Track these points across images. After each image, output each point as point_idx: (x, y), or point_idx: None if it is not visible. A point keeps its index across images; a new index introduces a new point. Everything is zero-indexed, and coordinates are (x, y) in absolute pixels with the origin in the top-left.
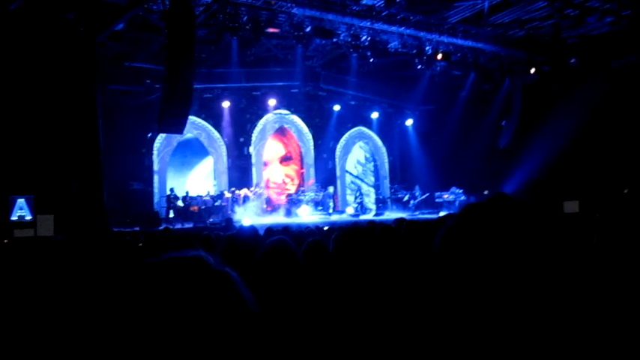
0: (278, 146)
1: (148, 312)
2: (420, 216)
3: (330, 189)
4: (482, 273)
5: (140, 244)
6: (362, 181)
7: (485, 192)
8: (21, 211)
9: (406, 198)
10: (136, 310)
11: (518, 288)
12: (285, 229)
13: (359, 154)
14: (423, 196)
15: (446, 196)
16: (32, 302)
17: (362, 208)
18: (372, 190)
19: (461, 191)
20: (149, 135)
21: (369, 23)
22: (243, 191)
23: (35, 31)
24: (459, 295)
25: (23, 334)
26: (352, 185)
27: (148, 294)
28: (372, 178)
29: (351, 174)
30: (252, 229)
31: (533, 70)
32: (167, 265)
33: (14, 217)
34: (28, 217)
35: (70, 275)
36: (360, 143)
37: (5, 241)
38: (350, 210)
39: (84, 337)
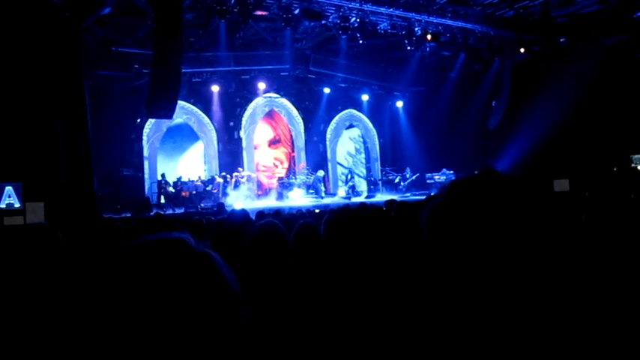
0: (267, 129)
1: (129, 293)
2: (411, 197)
3: (320, 172)
4: (470, 248)
5: (130, 230)
6: (351, 173)
7: (476, 172)
8: (9, 198)
9: (397, 180)
10: (116, 291)
11: (506, 262)
12: (277, 213)
13: (349, 146)
14: (413, 177)
15: (437, 177)
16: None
17: (353, 190)
18: (363, 179)
19: (452, 172)
20: (138, 120)
21: (357, 4)
22: (234, 175)
23: (20, 16)
24: (448, 271)
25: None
26: (343, 170)
27: (128, 275)
28: (364, 170)
29: (342, 165)
30: (244, 213)
31: (522, 50)
32: (147, 246)
33: (2, 205)
34: (17, 205)
35: (58, 261)
36: (350, 134)
37: None
38: (341, 192)
39: (69, 322)
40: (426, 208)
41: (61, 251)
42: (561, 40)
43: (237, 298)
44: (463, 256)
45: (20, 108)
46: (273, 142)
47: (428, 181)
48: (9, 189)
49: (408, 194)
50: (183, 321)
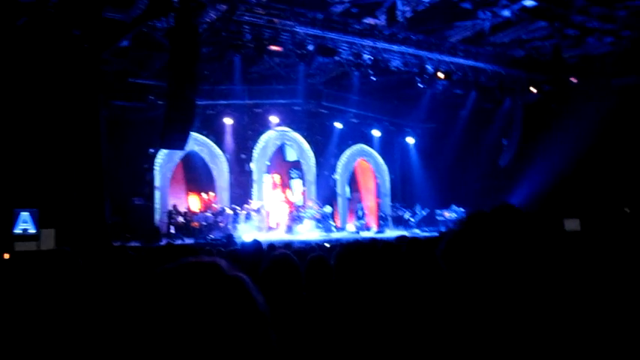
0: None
1: (165, 314)
2: (421, 233)
3: (328, 208)
4: (486, 280)
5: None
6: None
7: (492, 207)
8: (25, 224)
9: (407, 215)
10: (154, 312)
11: (519, 294)
12: (287, 246)
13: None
14: (424, 213)
15: (447, 213)
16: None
17: (365, 226)
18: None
19: (461, 209)
20: (151, 151)
21: (371, 42)
22: (245, 207)
23: (41, 46)
24: (463, 302)
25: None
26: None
27: (165, 297)
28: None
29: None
30: (256, 244)
31: (533, 89)
32: (183, 269)
33: (18, 230)
34: (32, 231)
35: (80, 285)
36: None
37: (6, 255)
38: (351, 227)
39: (99, 343)
40: (444, 240)
41: (82, 276)
42: (572, 80)
43: (267, 320)
44: (479, 287)
45: (37, 135)
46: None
47: (437, 218)
48: (25, 215)
49: (418, 230)
50: (217, 340)
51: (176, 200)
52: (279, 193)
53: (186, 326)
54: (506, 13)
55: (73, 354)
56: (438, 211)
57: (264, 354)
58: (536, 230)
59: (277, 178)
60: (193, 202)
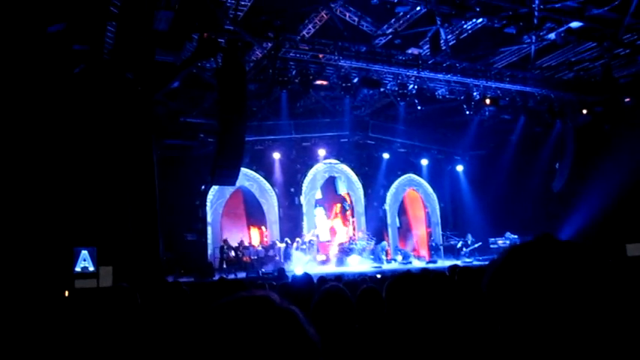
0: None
1: (220, 348)
2: (474, 262)
3: (384, 243)
4: (528, 313)
5: (196, 294)
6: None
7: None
8: (84, 262)
9: (459, 245)
10: (210, 346)
11: (566, 330)
12: (338, 278)
13: None
14: (476, 245)
15: (500, 241)
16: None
17: (406, 254)
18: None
19: (516, 236)
20: (202, 187)
21: (415, 72)
22: (295, 241)
23: (97, 91)
24: (508, 335)
25: None
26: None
27: (220, 331)
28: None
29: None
30: (307, 277)
31: (585, 111)
32: (236, 303)
33: (78, 268)
34: (91, 268)
35: (138, 320)
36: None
37: (67, 292)
38: (399, 257)
39: None
40: (487, 272)
41: (140, 312)
42: (626, 100)
43: (319, 351)
44: (520, 321)
45: (95, 176)
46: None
47: (491, 246)
48: (84, 253)
49: (471, 259)
50: None
51: (239, 234)
52: (337, 223)
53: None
54: (551, 36)
55: None
56: (492, 240)
57: None
58: (581, 262)
59: (338, 207)
60: (255, 236)
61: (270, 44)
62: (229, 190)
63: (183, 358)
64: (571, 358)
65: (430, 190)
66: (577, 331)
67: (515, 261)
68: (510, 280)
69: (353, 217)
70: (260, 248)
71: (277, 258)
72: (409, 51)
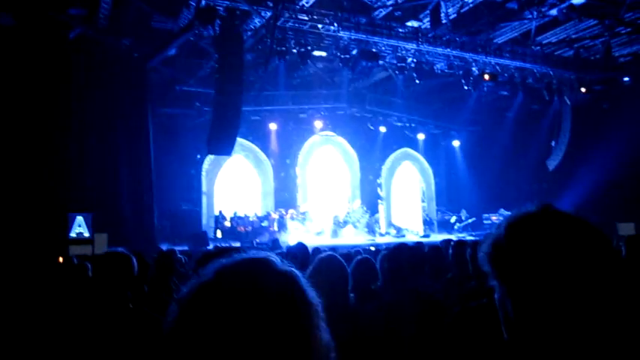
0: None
1: (224, 309)
2: (467, 237)
3: (377, 215)
4: (529, 285)
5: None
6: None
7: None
8: (79, 228)
9: (453, 220)
10: (214, 307)
11: (565, 302)
12: (333, 249)
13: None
14: (470, 220)
15: (494, 217)
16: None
17: (399, 229)
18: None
19: (509, 213)
20: (198, 157)
21: (414, 45)
22: (290, 212)
23: (93, 57)
24: (505, 306)
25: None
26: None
27: (220, 292)
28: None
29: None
30: (302, 246)
31: (583, 90)
32: (238, 265)
33: (73, 234)
34: (86, 234)
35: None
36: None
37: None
38: (393, 231)
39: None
40: (485, 243)
41: (135, 277)
42: (625, 79)
43: (319, 313)
44: (522, 293)
45: (91, 142)
46: None
47: (485, 222)
48: (80, 219)
49: (464, 234)
50: (271, 334)
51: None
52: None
53: (241, 319)
54: (553, 12)
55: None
56: (485, 216)
57: (318, 347)
58: (583, 235)
59: None
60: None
61: (269, 13)
62: (225, 159)
63: (185, 321)
64: (573, 329)
65: (426, 164)
66: (579, 301)
67: (518, 232)
68: (511, 251)
69: (348, 189)
70: (254, 219)
71: (272, 229)
72: (409, 24)
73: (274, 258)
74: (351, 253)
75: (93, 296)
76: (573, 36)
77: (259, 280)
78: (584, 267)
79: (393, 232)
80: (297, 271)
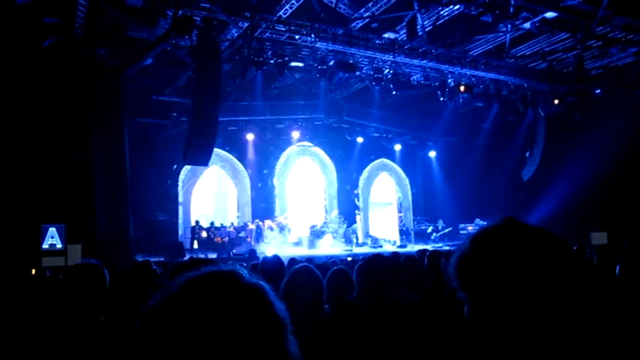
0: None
1: (188, 322)
2: (444, 247)
3: (355, 226)
4: (494, 296)
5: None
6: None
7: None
8: (52, 239)
9: (429, 230)
10: (177, 320)
11: (528, 312)
12: (309, 260)
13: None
14: (447, 230)
15: (470, 227)
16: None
17: (375, 239)
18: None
19: (485, 223)
20: (174, 167)
21: (391, 57)
22: (267, 222)
23: (67, 65)
24: (472, 317)
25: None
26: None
27: (185, 305)
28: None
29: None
30: (276, 259)
31: (556, 101)
32: (204, 279)
33: (45, 245)
34: (59, 246)
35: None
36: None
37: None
38: (369, 241)
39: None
40: (453, 257)
41: (109, 288)
42: (596, 91)
43: (286, 327)
44: (488, 305)
45: (64, 152)
46: None
47: (461, 232)
48: (52, 230)
49: (441, 244)
50: (236, 348)
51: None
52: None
53: (205, 333)
54: (527, 25)
55: None
56: (462, 226)
57: (285, 354)
58: (545, 246)
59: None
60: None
61: (246, 24)
62: (201, 170)
63: (149, 334)
64: (537, 337)
65: (403, 175)
66: (542, 311)
67: (481, 245)
68: (475, 265)
69: (325, 199)
70: (231, 229)
71: (249, 239)
72: (386, 35)
73: (242, 271)
74: (327, 264)
75: (64, 308)
76: (547, 49)
77: (224, 294)
78: (546, 277)
79: (370, 242)
80: (264, 285)
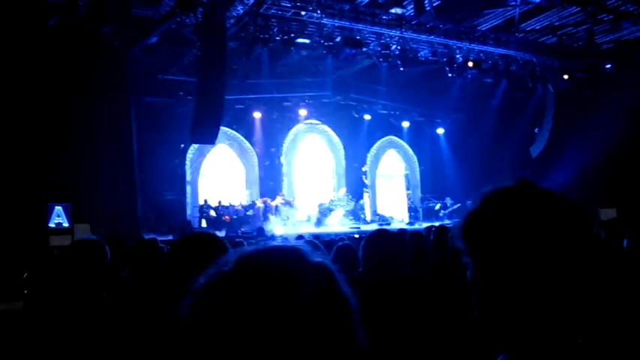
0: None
1: (248, 303)
2: (452, 224)
3: (362, 201)
4: (504, 260)
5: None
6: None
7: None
8: (58, 218)
9: (437, 207)
10: (236, 301)
11: (539, 277)
12: (316, 237)
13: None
14: (455, 206)
15: None
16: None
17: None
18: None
19: None
20: (182, 146)
21: (398, 32)
22: (275, 200)
23: (72, 44)
24: (480, 282)
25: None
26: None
27: (248, 283)
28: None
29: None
30: (283, 239)
31: (566, 77)
32: (266, 253)
33: (52, 224)
34: (66, 225)
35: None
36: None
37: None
38: (377, 218)
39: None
40: (463, 218)
41: (110, 264)
42: (607, 66)
43: (355, 312)
44: (494, 269)
45: (70, 131)
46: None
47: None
48: (58, 209)
49: (449, 222)
50: (307, 329)
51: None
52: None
53: (268, 315)
54: None
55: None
56: (469, 202)
57: (355, 349)
58: (561, 211)
59: None
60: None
61: (251, 0)
62: (209, 148)
63: (201, 316)
64: (542, 305)
65: (411, 152)
66: (549, 279)
67: (491, 204)
68: (483, 224)
69: (333, 177)
70: (239, 208)
71: (257, 217)
72: (393, 10)
73: (305, 247)
74: (334, 241)
75: (64, 283)
76: (556, 23)
77: (291, 272)
78: (560, 243)
79: (378, 219)
80: (330, 264)
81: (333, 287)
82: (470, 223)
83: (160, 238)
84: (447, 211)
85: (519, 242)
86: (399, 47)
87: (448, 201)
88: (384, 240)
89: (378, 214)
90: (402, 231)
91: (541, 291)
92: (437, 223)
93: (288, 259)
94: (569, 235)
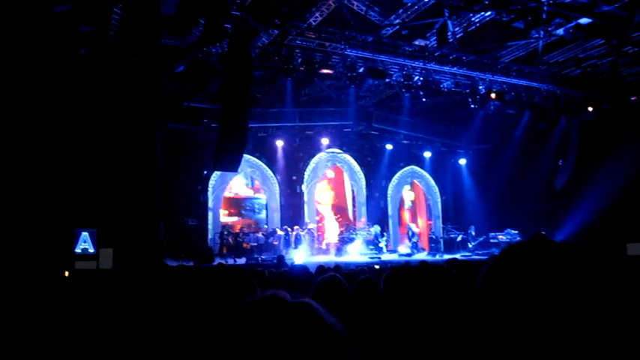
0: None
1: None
2: (474, 257)
3: (376, 227)
4: (519, 312)
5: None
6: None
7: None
8: (84, 243)
9: (459, 238)
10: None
11: (552, 329)
12: (337, 268)
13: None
14: (481, 239)
15: (500, 236)
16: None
17: (416, 247)
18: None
19: (516, 232)
20: (204, 172)
21: (421, 64)
22: (296, 229)
23: (102, 72)
24: (500, 334)
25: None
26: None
27: (239, 339)
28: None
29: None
30: (304, 268)
31: (590, 109)
32: (246, 311)
33: (78, 250)
34: (91, 250)
35: (135, 303)
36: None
37: (67, 273)
38: (402, 249)
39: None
40: (482, 271)
41: (138, 295)
42: (632, 98)
43: (345, 340)
44: (512, 320)
45: (97, 158)
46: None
47: (491, 241)
48: (85, 235)
49: (470, 253)
50: None
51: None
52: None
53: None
54: (560, 31)
55: None
56: (492, 234)
57: None
58: (573, 264)
59: None
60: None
61: (276, 31)
62: (231, 175)
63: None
64: (563, 358)
65: (432, 182)
66: (568, 331)
67: (508, 262)
68: (503, 281)
69: (354, 207)
70: (260, 235)
71: (277, 245)
72: (416, 42)
73: (282, 294)
74: (355, 273)
75: (93, 310)
76: (580, 55)
77: (271, 321)
78: (572, 297)
79: (401, 250)
80: (311, 301)
81: (315, 321)
82: (488, 275)
83: (182, 263)
84: (475, 243)
85: (531, 296)
86: (421, 78)
87: (472, 230)
88: (405, 276)
89: (399, 243)
90: (423, 263)
91: (554, 343)
92: (458, 256)
93: (267, 309)
94: (585, 288)
